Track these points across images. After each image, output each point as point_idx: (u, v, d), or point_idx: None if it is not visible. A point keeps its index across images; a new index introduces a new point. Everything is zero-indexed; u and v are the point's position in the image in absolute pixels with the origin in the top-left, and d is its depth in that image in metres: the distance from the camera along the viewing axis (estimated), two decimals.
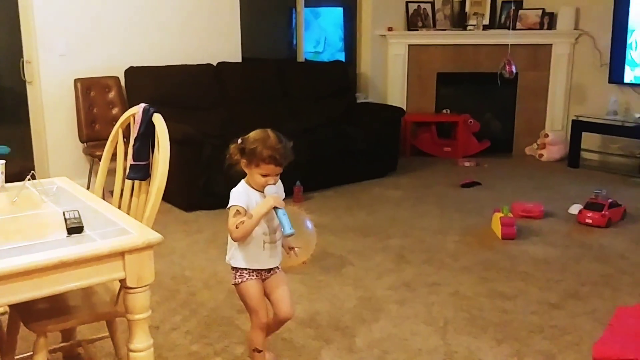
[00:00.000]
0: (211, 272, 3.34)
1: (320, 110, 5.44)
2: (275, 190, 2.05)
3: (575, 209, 4.29)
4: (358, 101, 6.06)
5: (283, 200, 2.07)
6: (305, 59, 6.34)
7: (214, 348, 2.54)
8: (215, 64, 5.21)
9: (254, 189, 2.07)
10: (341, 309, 2.91)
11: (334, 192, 4.95)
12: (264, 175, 2.03)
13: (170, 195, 4.55)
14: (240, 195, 2.05)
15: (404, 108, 5.96)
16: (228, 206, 2.06)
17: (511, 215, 3.94)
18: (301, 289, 3.13)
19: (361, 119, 5.44)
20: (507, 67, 5.79)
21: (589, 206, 4.15)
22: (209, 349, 2.54)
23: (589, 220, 4.08)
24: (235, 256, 2.15)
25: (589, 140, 5.82)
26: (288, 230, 1.97)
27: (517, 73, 5.81)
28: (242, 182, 2.10)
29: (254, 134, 2.06)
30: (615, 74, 5.72)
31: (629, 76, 5.66)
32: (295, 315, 2.85)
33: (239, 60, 5.50)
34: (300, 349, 2.54)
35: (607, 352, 1.63)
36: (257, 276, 2.16)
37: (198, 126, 4.48)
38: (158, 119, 2.12)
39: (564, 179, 5.43)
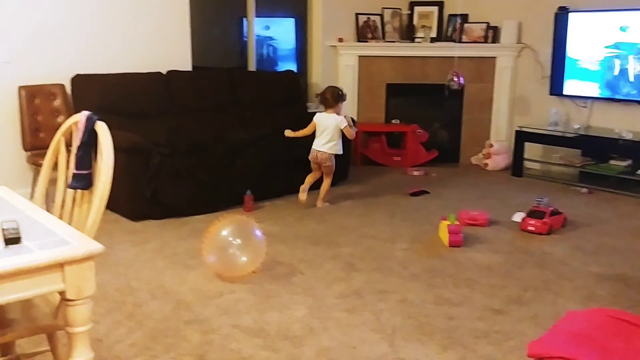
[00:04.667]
0: (158, 283, 3.29)
1: (271, 119, 5.44)
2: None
3: (518, 216, 4.41)
4: (309, 110, 6.09)
5: None
6: (257, 69, 6.34)
7: None
8: (165, 72, 5.15)
9: None
10: (290, 318, 2.91)
11: (284, 201, 4.95)
12: None
13: (117, 205, 4.52)
14: None
15: (355, 118, 6.02)
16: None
17: (458, 223, 4.03)
18: (250, 298, 3.11)
19: None
20: (455, 79, 5.94)
21: (532, 214, 4.28)
22: None
23: (531, 228, 4.21)
24: None
25: (531, 150, 6.01)
26: None
27: (463, 85, 5.96)
28: None
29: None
30: (555, 87, 5.94)
31: (568, 88, 5.88)
32: (244, 325, 2.85)
33: (189, 68, 5.45)
34: (248, 359, 2.53)
35: (540, 349, 1.68)
36: None
37: (146, 135, 4.42)
38: (101, 127, 2.08)
39: (507, 187, 5.58)
